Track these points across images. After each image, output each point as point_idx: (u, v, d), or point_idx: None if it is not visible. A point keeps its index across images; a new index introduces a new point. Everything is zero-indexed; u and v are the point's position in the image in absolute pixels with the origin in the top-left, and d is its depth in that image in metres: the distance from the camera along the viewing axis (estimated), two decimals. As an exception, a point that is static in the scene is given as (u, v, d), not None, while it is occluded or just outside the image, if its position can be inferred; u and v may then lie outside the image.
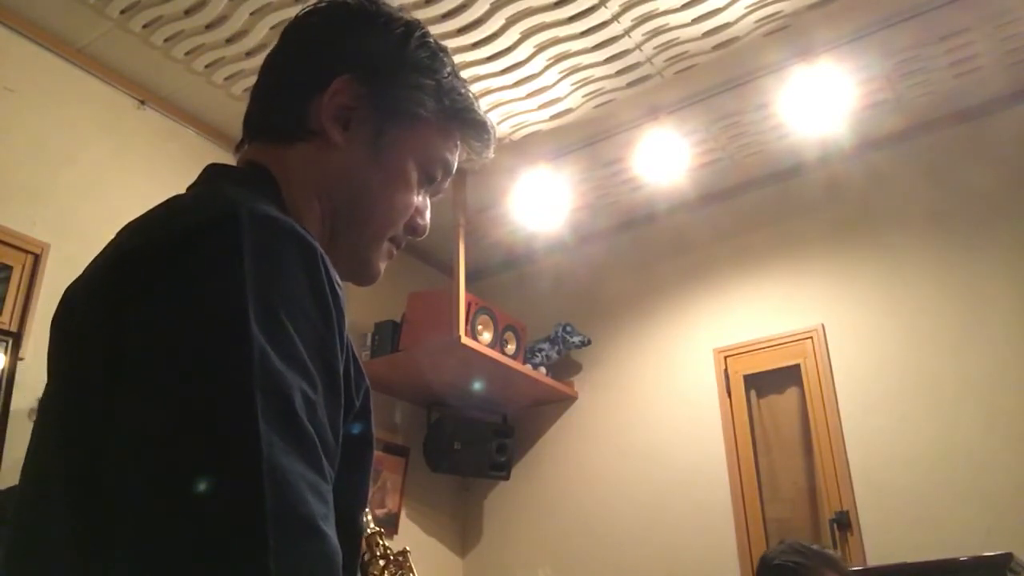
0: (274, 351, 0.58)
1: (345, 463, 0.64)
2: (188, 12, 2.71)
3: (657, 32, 2.87)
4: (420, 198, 0.87)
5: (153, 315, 0.60)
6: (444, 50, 0.88)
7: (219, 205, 0.67)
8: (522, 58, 2.97)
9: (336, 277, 0.67)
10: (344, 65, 0.81)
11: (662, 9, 2.77)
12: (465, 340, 3.38)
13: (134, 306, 0.61)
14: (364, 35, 0.84)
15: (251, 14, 2.73)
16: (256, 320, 0.58)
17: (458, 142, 0.89)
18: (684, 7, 2.77)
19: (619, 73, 3.07)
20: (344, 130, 0.81)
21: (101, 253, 0.72)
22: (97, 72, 2.92)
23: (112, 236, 0.73)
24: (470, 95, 0.90)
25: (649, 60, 3.01)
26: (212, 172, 0.81)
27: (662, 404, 3.70)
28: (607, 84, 3.12)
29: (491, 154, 0.93)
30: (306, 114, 0.81)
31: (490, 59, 2.96)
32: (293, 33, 0.87)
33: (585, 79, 3.09)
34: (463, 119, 0.88)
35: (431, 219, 0.90)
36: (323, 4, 0.86)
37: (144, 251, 0.64)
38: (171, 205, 0.72)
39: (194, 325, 0.58)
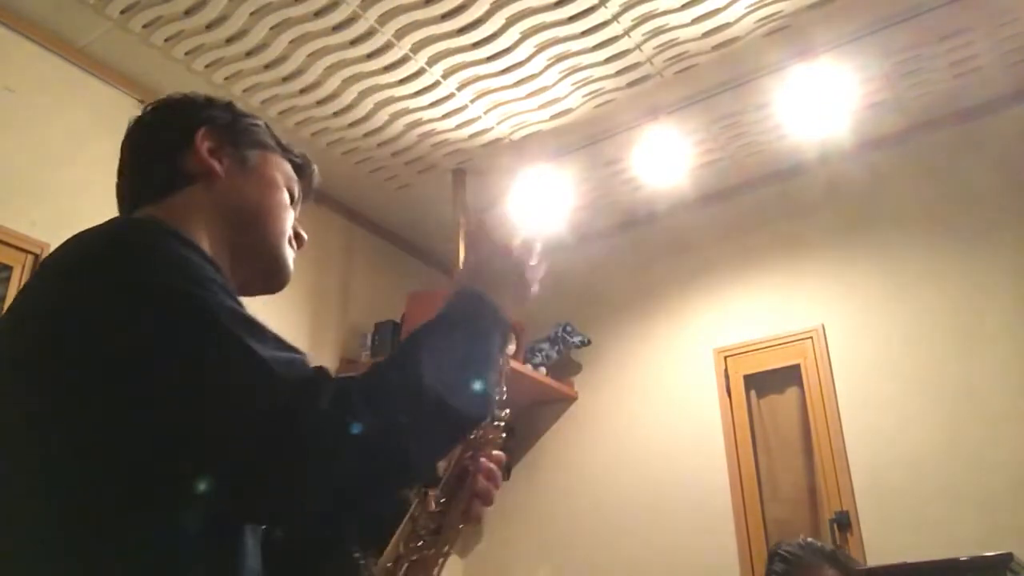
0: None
1: None
2: (188, 12, 2.71)
3: (657, 32, 2.87)
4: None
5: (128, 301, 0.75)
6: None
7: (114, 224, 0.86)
8: (522, 58, 2.97)
9: None
10: (199, 123, 1.01)
11: (662, 9, 2.77)
12: (465, 340, 3.37)
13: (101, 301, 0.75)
14: (199, 105, 1.05)
15: (251, 14, 2.73)
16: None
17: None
18: (684, 7, 2.77)
19: (619, 73, 3.07)
20: (220, 164, 0.99)
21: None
22: (97, 72, 2.92)
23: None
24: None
25: (649, 60, 3.01)
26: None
27: (662, 404, 3.70)
28: (607, 84, 3.12)
29: (313, 192, 1.13)
30: (181, 167, 0.98)
31: (490, 59, 2.96)
32: (145, 131, 1.04)
33: (585, 79, 3.09)
34: (292, 152, 1.09)
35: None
36: (154, 107, 1.06)
37: (80, 262, 0.80)
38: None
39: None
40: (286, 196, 1.04)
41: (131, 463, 0.71)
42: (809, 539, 2.24)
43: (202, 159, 0.98)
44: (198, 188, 0.97)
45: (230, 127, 1.04)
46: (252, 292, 1.01)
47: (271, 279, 1.03)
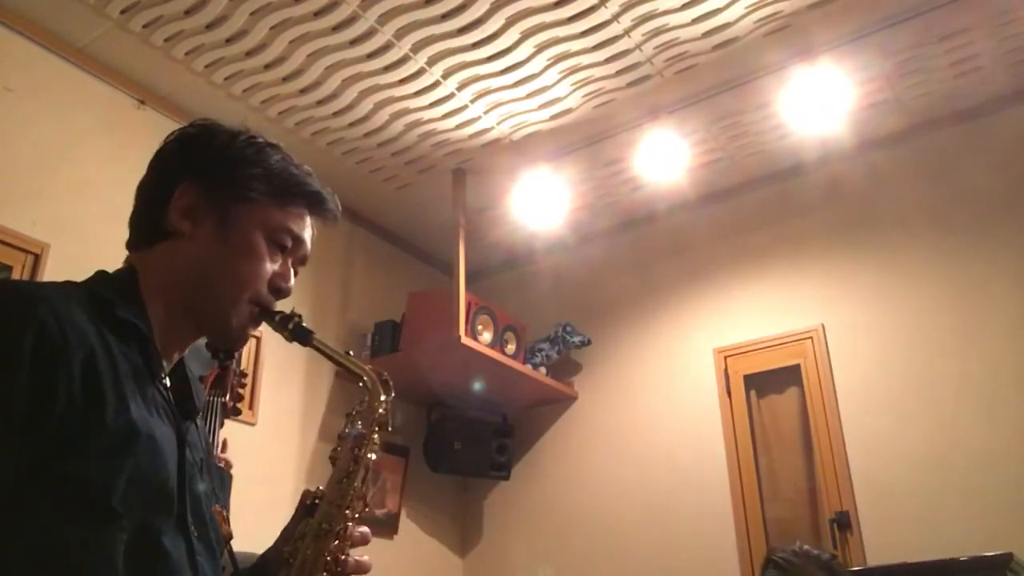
0: None
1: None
2: (188, 12, 2.71)
3: (657, 32, 2.87)
4: (279, 265, 1.06)
5: None
6: (272, 144, 1.09)
7: None
8: (522, 58, 2.97)
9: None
10: (185, 175, 1.04)
11: (662, 9, 2.77)
12: (465, 340, 3.38)
13: None
14: (197, 148, 1.07)
15: (251, 14, 2.73)
16: None
17: (303, 213, 1.09)
18: (684, 7, 2.77)
19: (619, 73, 3.07)
20: (193, 224, 1.03)
21: None
22: (97, 72, 2.92)
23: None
24: (303, 174, 1.10)
25: (649, 60, 3.01)
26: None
27: (662, 404, 3.70)
28: (607, 84, 3.12)
29: (334, 216, 1.13)
30: (162, 221, 1.03)
31: (490, 59, 2.96)
32: (152, 162, 1.09)
33: (585, 79, 3.09)
34: (297, 192, 1.08)
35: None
36: (172, 134, 1.09)
37: None
38: None
39: None
40: (261, 261, 1.04)
41: None
42: (805, 546, 2.21)
43: (174, 220, 1.03)
44: (170, 244, 1.03)
45: (219, 179, 1.04)
46: (212, 342, 1.10)
47: (221, 342, 1.07)
